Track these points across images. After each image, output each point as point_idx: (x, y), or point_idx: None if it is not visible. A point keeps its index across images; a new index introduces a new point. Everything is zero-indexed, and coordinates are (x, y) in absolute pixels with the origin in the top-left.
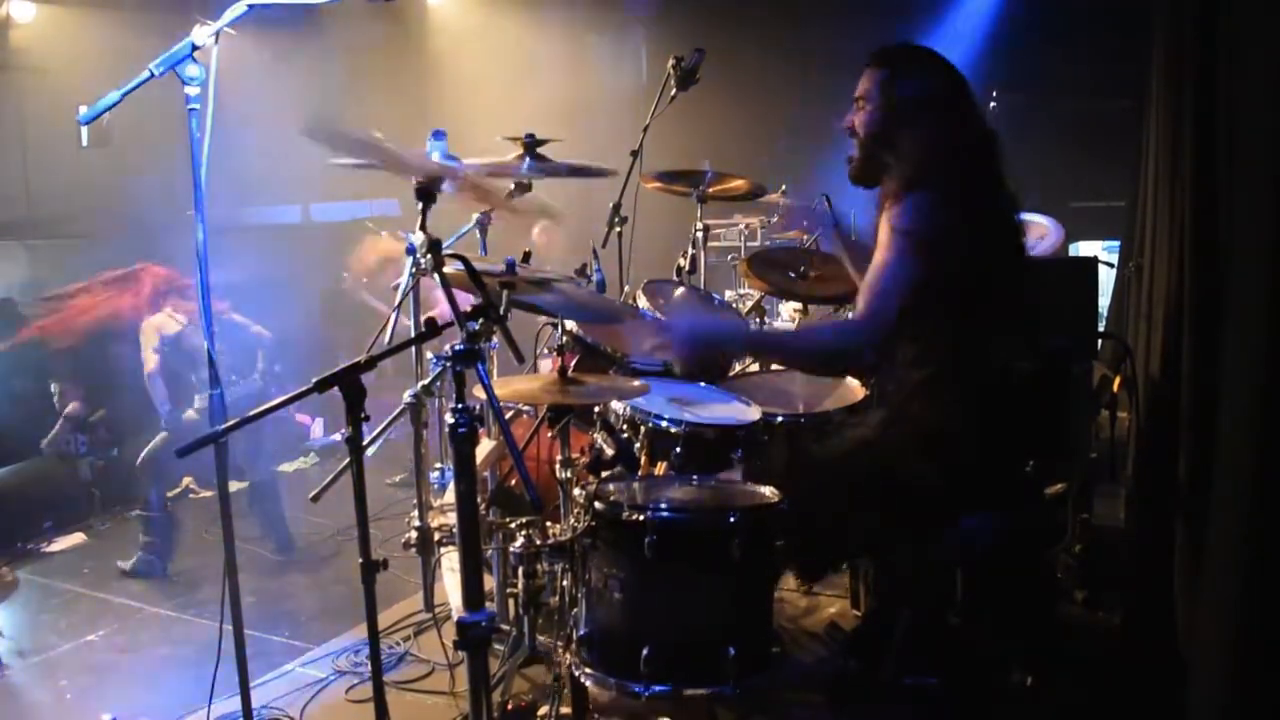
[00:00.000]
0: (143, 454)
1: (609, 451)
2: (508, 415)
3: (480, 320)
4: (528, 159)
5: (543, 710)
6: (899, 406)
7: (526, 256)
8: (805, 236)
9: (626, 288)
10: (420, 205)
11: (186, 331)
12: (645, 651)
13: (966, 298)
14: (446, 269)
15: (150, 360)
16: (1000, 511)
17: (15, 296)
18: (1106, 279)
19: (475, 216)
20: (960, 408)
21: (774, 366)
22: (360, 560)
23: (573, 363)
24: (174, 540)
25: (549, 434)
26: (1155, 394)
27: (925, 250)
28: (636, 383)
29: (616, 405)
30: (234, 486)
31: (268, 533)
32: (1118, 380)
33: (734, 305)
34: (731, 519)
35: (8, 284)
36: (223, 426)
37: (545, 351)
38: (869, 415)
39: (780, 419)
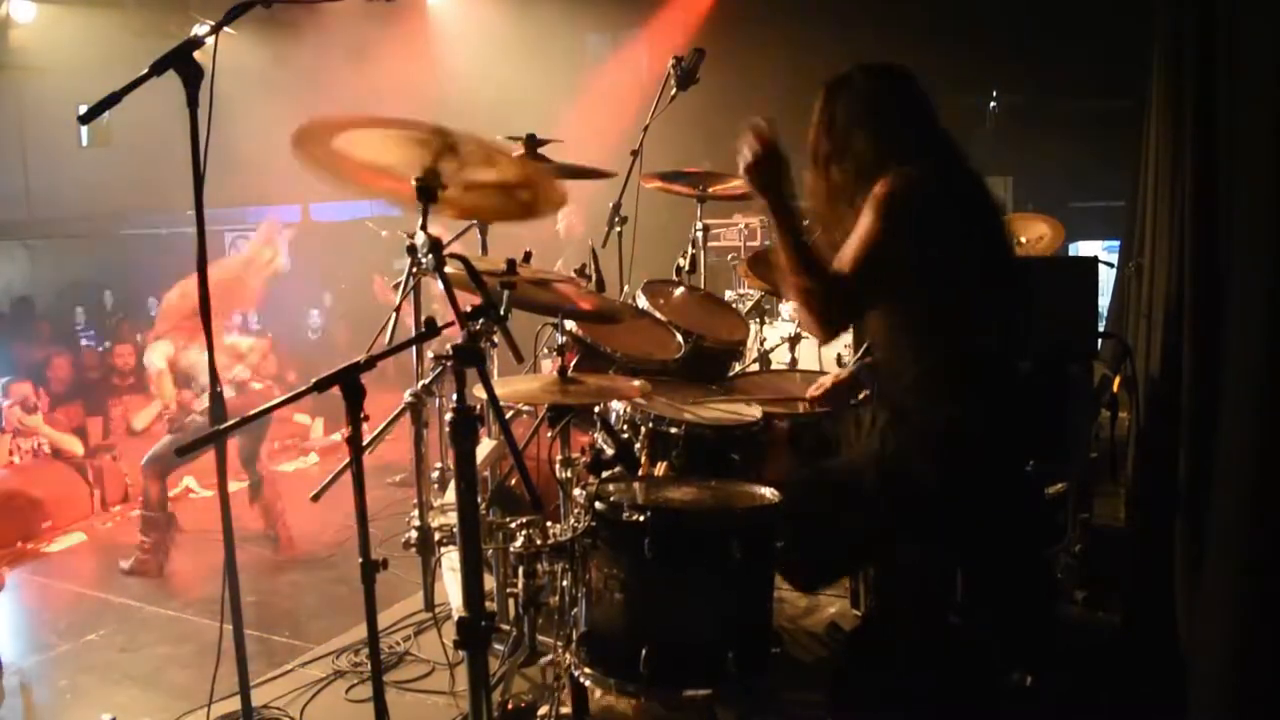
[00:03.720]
0: (148, 454)
1: (609, 451)
2: (508, 415)
3: (480, 320)
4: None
5: (543, 710)
6: (897, 404)
7: (527, 256)
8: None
9: (626, 288)
10: (421, 204)
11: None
12: (645, 651)
13: (953, 285)
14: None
15: (169, 394)
16: (1000, 511)
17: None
18: (1106, 279)
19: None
20: (958, 404)
21: (774, 366)
22: (360, 560)
23: (573, 363)
24: (170, 539)
25: (549, 434)
26: (1155, 394)
27: (903, 217)
28: (636, 383)
29: (616, 405)
30: (234, 486)
31: (268, 531)
32: (1117, 380)
33: (734, 305)
34: (731, 519)
35: (7, 283)
36: (223, 426)
37: (545, 351)
38: (868, 414)
39: (780, 419)
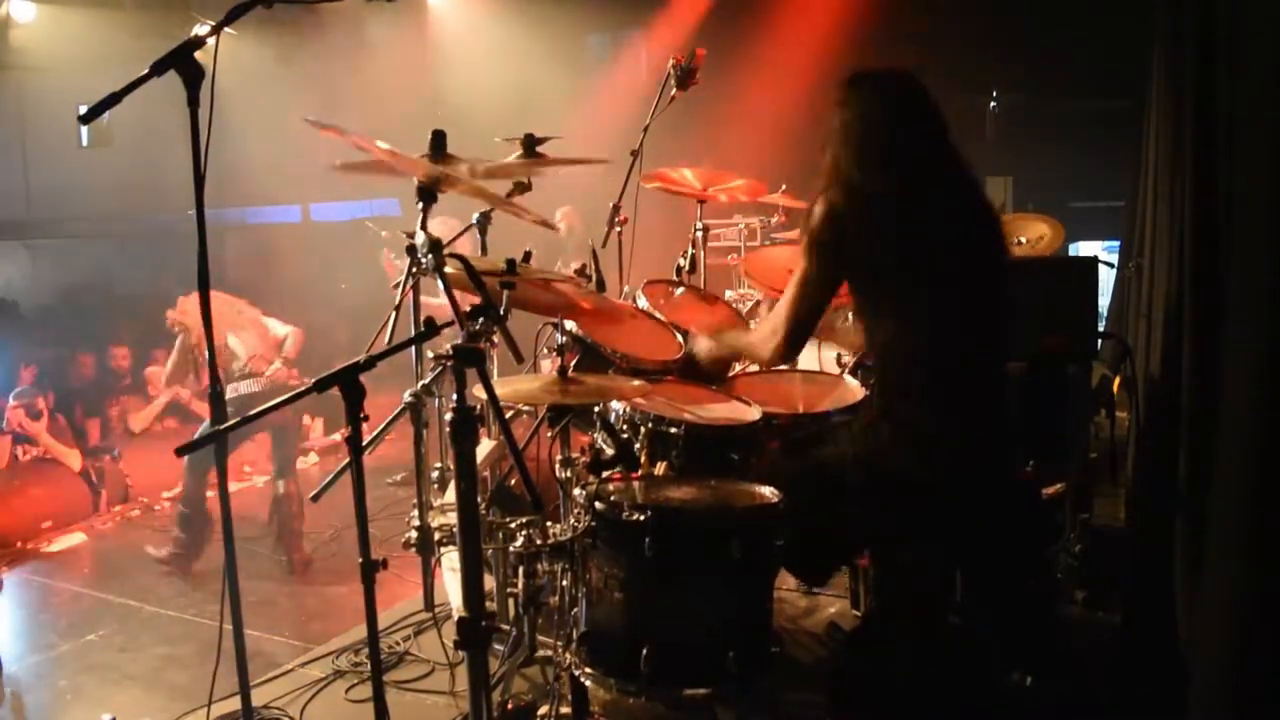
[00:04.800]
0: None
1: (609, 451)
2: (508, 415)
3: (480, 320)
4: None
5: (543, 710)
6: (882, 403)
7: (527, 256)
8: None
9: (626, 288)
10: (421, 205)
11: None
12: (645, 651)
13: (916, 290)
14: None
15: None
16: (994, 511)
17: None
18: (1106, 279)
19: (474, 216)
20: (936, 402)
21: (774, 367)
22: (360, 560)
23: (573, 363)
24: (204, 539)
25: (549, 434)
26: (1155, 394)
27: (818, 249)
28: (636, 383)
29: (616, 405)
30: (234, 486)
31: (279, 545)
32: (1117, 380)
33: (735, 305)
34: (731, 518)
35: (8, 282)
36: (222, 426)
37: (545, 351)
38: (861, 414)
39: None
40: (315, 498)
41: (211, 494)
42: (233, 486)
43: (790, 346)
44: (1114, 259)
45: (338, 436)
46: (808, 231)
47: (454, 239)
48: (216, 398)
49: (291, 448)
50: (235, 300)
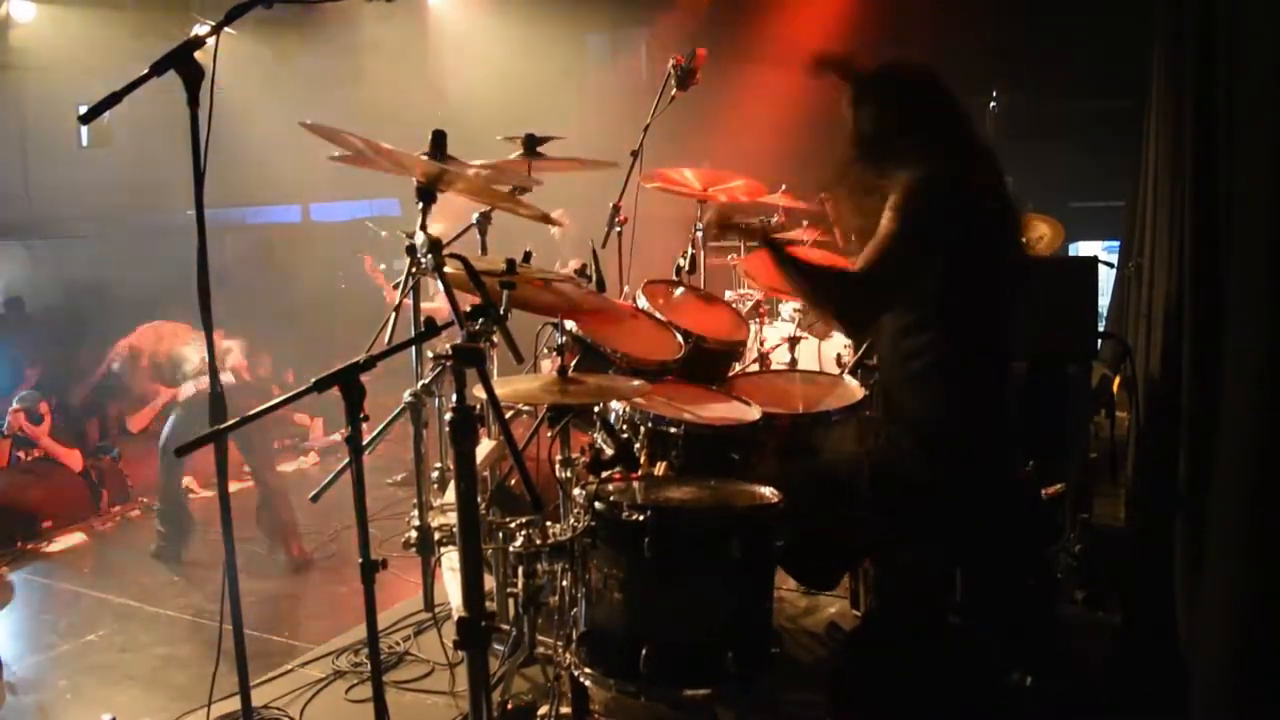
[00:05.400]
0: (161, 440)
1: (609, 451)
2: (508, 415)
3: (480, 320)
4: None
5: (543, 710)
6: (895, 402)
7: (527, 256)
8: (806, 238)
9: (626, 288)
10: (421, 205)
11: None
12: (645, 651)
13: (956, 288)
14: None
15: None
16: (996, 511)
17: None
18: (1106, 279)
19: (475, 216)
20: (949, 404)
21: (774, 366)
22: (360, 560)
23: (573, 363)
24: (186, 532)
25: (549, 434)
26: (1155, 394)
27: (916, 228)
28: (636, 383)
29: (616, 405)
30: (234, 486)
31: (275, 543)
32: (1117, 380)
33: (734, 305)
34: (731, 518)
35: (8, 282)
36: (223, 426)
37: (545, 351)
38: (867, 413)
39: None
40: (315, 498)
41: (203, 493)
42: (232, 487)
43: (872, 287)
44: (1114, 259)
45: (338, 436)
46: (899, 214)
47: (450, 241)
48: (216, 399)
49: (263, 448)
50: (179, 326)
